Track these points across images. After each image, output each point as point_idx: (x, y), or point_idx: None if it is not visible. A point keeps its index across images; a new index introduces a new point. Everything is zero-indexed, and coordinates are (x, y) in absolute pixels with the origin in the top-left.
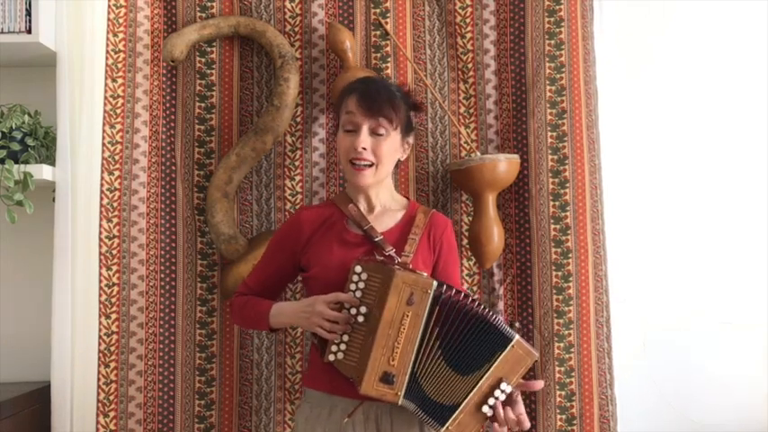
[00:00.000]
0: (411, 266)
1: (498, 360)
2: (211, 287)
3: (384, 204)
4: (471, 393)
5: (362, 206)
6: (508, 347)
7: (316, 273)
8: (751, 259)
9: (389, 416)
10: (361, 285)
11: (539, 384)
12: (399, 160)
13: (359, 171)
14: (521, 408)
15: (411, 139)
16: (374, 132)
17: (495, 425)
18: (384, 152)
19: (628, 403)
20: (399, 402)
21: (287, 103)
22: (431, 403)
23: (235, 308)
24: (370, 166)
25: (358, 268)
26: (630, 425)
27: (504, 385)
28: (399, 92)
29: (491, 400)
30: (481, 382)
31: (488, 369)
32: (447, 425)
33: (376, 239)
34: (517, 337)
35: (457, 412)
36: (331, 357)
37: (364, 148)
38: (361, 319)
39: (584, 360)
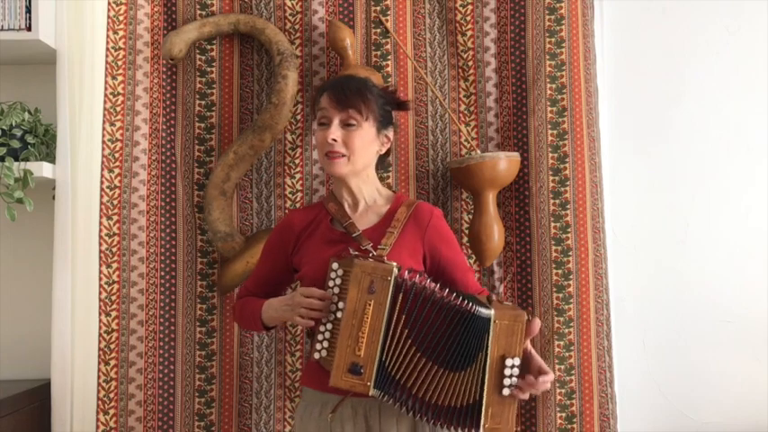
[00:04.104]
0: (385, 258)
1: (490, 343)
2: (211, 285)
3: (368, 199)
4: (485, 385)
5: (347, 202)
6: (491, 327)
7: (305, 272)
8: (751, 257)
9: (378, 411)
10: (338, 281)
11: (536, 324)
12: (380, 154)
13: (332, 160)
14: (537, 362)
15: (390, 134)
16: (345, 124)
17: (522, 395)
18: (356, 143)
19: (628, 401)
20: (370, 393)
21: (285, 101)
22: (440, 408)
23: (236, 311)
24: (343, 156)
25: (335, 265)
26: (630, 423)
27: (509, 361)
28: (375, 88)
29: (506, 381)
30: (487, 371)
31: (485, 357)
32: (482, 424)
33: (354, 235)
34: (493, 312)
35: (484, 408)
36: (316, 355)
37: (334, 140)
38: (339, 314)
39: (584, 358)
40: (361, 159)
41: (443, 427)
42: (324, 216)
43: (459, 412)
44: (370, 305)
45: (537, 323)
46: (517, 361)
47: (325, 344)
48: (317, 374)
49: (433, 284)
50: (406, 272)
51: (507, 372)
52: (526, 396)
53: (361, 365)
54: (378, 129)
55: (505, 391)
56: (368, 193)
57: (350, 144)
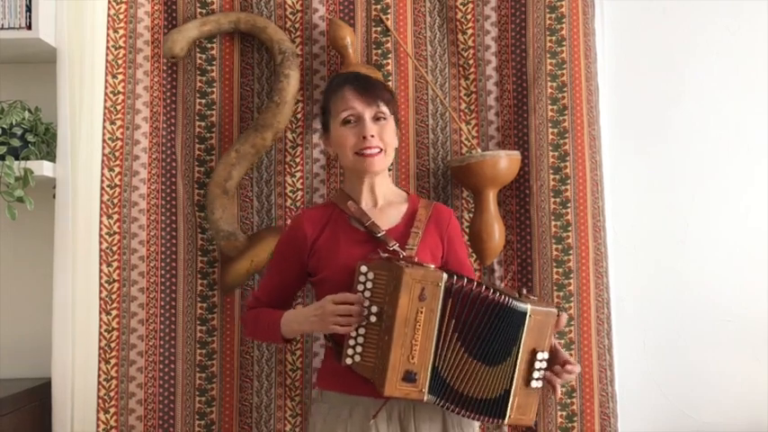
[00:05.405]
0: (417, 259)
1: (523, 337)
2: (212, 284)
3: (386, 197)
4: (515, 377)
5: (366, 200)
6: (526, 321)
7: (325, 275)
8: (751, 257)
9: (412, 411)
10: (369, 285)
11: (563, 319)
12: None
13: (370, 157)
14: (563, 355)
15: (398, 130)
16: (376, 119)
17: (557, 390)
18: (388, 137)
19: (628, 401)
20: (425, 399)
21: (287, 100)
22: (473, 401)
23: (247, 323)
24: (379, 152)
25: (363, 268)
26: (631, 422)
27: (540, 354)
28: None
29: (536, 374)
30: (518, 364)
31: (518, 350)
32: (508, 414)
33: (378, 235)
34: (529, 306)
35: (511, 399)
36: (348, 361)
37: (372, 136)
38: (373, 318)
39: (584, 357)
40: (392, 153)
41: (471, 418)
42: (338, 216)
43: (488, 403)
44: (421, 312)
45: (564, 318)
46: (546, 355)
47: (359, 349)
48: (343, 378)
49: (477, 286)
50: (455, 277)
51: (537, 365)
52: (558, 391)
53: (416, 373)
54: (396, 123)
55: (533, 384)
56: (385, 191)
57: (384, 138)
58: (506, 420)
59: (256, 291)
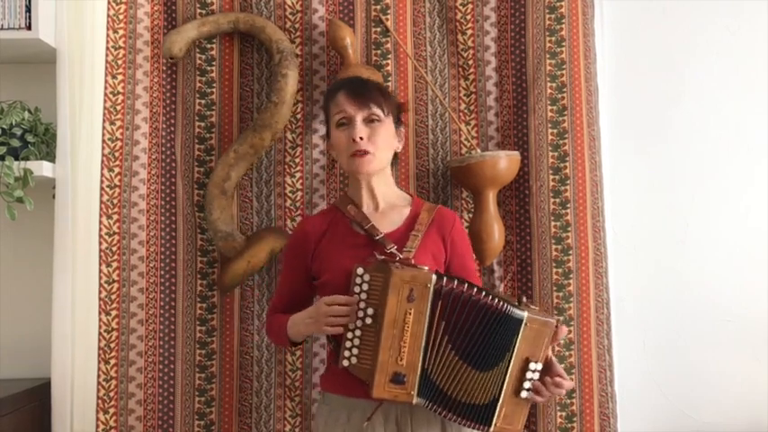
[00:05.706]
0: (414, 262)
1: (517, 345)
2: (211, 284)
3: (387, 200)
4: (504, 385)
5: (367, 204)
6: (521, 329)
7: (326, 279)
8: (751, 257)
9: (409, 414)
10: (365, 287)
11: (562, 332)
12: (396, 152)
13: (360, 158)
14: (557, 369)
15: (402, 132)
16: (368, 121)
17: (538, 398)
18: (380, 139)
19: (628, 401)
20: (414, 402)
21: (285, 100)
22: (461, 406)
23: (267, 330)
24: (368, 153)
25: (359, 270)
26: (631, 422)
27: (533, 365)
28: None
29: (527, 384)
30: (509, 372)
31: (510, 358)
32: (494, 422)
33: (376, 238)
34: (526, 314)
35: (498, 408)
36: (345, 363)
37: (361, 138)
38: (369, 320)
39: (584, 357)
40: (385, 155)
41: (458, 423)
42: (340, 219)
43: (475, 409)
44: (410, 314)
45: (563, 331)
46: (539, 366)
47: (355, 351)
48: (342, 380)
49: (468, 288)
50: (445, 279)
51: (529, 375)
52: (541, 399)
53: (404, 374)
54: (395, 125)
55: (523, 394)
56: (387, 194)
57: (375, 141)
58: (492, 429)
59: (274, 298)
